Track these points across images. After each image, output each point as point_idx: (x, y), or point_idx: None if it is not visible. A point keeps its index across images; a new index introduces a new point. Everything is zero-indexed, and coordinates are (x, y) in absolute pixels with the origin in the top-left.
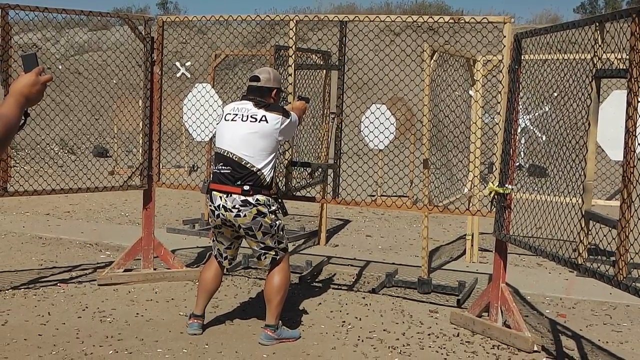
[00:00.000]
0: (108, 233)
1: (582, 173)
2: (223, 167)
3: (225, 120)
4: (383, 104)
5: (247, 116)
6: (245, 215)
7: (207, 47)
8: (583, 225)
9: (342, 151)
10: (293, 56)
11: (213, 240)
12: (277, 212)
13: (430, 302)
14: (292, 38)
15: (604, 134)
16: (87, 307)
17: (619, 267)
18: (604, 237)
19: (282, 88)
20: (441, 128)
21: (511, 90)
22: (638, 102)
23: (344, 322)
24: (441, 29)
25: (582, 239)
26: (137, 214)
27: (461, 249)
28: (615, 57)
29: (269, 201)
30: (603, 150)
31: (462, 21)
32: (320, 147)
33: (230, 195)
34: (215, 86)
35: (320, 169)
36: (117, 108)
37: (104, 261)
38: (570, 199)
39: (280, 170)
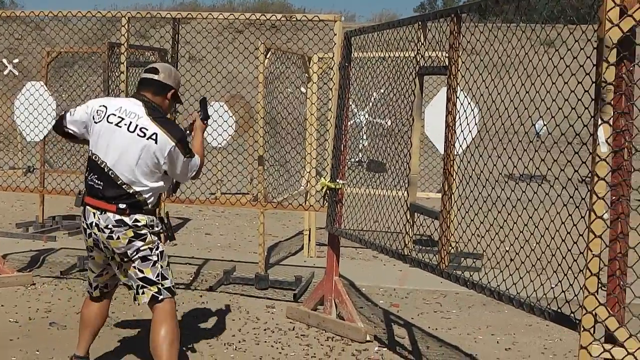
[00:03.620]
0: None
1: (408, 167)
2: (96, 179)
3: (107, 121)
4: (224, 101)
5: (135, 126)
6: (118, 238)
7: (44, 43)
8: (408, 218)
9: None
10: (125, 53)
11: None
12: (160, 236)
13: (268, 298)
14: (124, 35)
15: (434, 129)
16: None
17: (442, 257)
18: (435, 229)
19: (179, 92)
20: (274, 125)
21: (341, 87)
22: (457, 98)
23: (180, 320)
24: (283, 27)
25: (407, 230)
26: None
27: (300, 244)
28: (437, 55)
29: (151, 222)
30: (434, 145)
31: (294, 19)
32: None
33: (105, 213)
34: (52, 84)
35: None
36: None
37: None
38: (397, 193)
39: None
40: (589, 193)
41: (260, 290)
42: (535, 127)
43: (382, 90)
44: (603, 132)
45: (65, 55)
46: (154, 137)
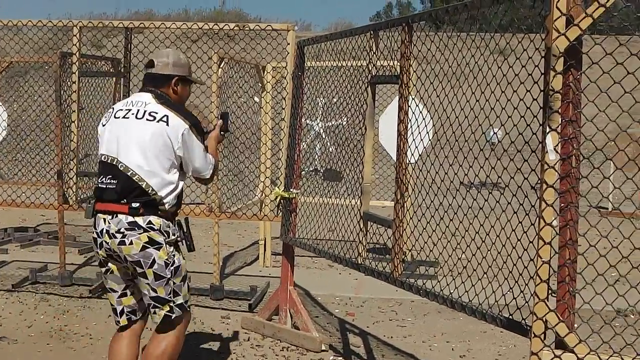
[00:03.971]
0: None
1: (361, 176)
2: (106, 180)
3: (114, 117)
4: None
5: (144, 112)
6: (131, 243)
7: None
8: (362, 226)
9: None
10: (77, 63)
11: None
12: (178, 246)
13: (223, 308)
14: (75, 45)
15: (388, 138)
16: None
17: (395, 265)
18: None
19: (190, 77)
20: (228, 135)
21: (295, 97)
22: (409, 106)
23: None
24: (238, 37)
25: (361, 239)
26: None
27: (255, 254)
28: (388, 64)
29: (168, 227)
30: (389, 153)
31: (247, 28)
32: None
33: (116, 216)
34: (3, 94)
35: None
36: None
37: None
38: (350, 201)
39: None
40: (538, 200)
41: (215, 301)
42: (485, 136)
43: (334, 100)
44: (551, 140)
45: (17, 65)
46: (164, 119)
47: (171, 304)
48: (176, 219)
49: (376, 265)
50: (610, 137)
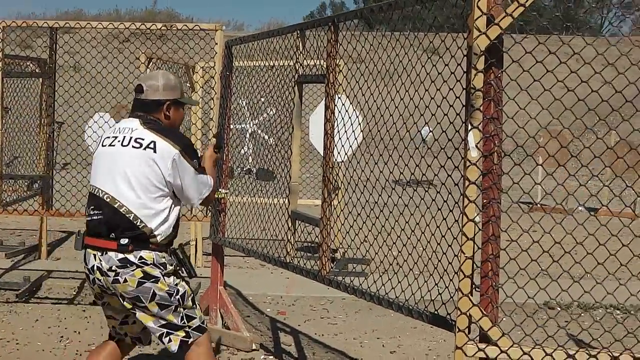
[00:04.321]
0: None
1: (289, 175)
2: (93, 212)
3: (102, 145)
4: (107, 112)
5: (130, 139)
6: (126, 281)
7: None
8: (290, 225)
9: (66, 161)
10: (1, 63)
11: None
12: (178, 273)
13: None
14: None
15: (319, 137)
16: None
17: (323, 263)
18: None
19: (182, 99)
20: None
21: (223, 96)
22: (335, 105)
23: (62, 336)
24: (168, 37)
25: (289, 238)
26: None
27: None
28: (316, 64)
29: (163, 259)
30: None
31: (175, 28)
32: (38, 157)
33: (106, 253)
34: None
35: (39, 181)
36: None
37: None
38: (279, 201)
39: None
40: (461, 197)
41: None
42: (421, 134)
43: (262, 100)
44: (473, 137)
45: None
46: (151, 145)
47: (186, 329)
48: (171, 248)
49: (305, 264)
50: (533, 134)
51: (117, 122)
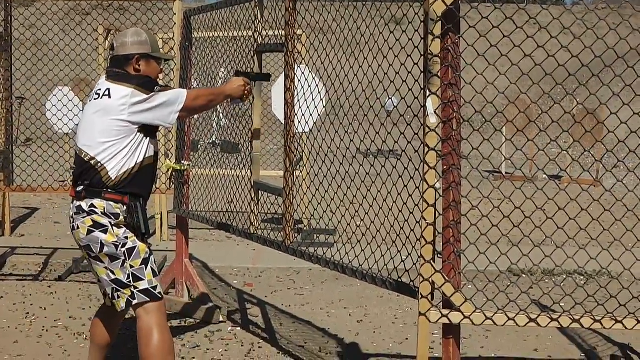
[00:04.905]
0: None
1: (251, 146)
2: (74, 167)
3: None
4: (66, 85)
5: (93, 94)
6: (78, 227)
7: None
8: (253, 196)
9: (30, 137)
10: None
11: None
12: (128, 228)
13: None
14: None
15: (281, 107)
16: None
17: (287, 233)
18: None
19: (153, 53)
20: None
21: (182, 68)
22: (295, 74)
23: (28, 313)
24: (132, 8)
25: (253, 208)
26: None
27: (152, 229)
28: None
29: (116, 209)
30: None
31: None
32: None
33: (73, 201)
34: None
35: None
36: None
37: None
38: (241, 172)
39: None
40: (421, 163)
41: None
42: (385, 109)
43: (222, 70)
44: (432, 103)
45: None
46: (107, 92)
47: (132, 289)
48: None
49: (269, 235)
50: (494, 102)
51: None
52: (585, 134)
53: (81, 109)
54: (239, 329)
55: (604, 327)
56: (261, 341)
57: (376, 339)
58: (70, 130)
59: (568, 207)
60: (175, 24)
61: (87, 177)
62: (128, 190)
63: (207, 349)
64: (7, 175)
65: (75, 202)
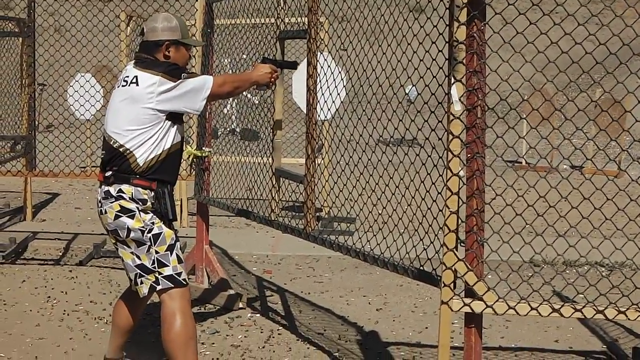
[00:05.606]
0: None
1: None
2: (102, 153)
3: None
4: (88, 71)
5: (121, 80)
6: (106, 212)
7: None
8: (274, 183)
9: (52, 123)
10: None
11: None
12: (155, 214)
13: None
14: None
15: (302, 95)
16: None
17: (307, 220)
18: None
19: (183, 40)
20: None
21: (204, 54)
22: (317, 61)
23: (49, 297)
24: None
25: (274, 195)
26: None
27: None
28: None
29: (144, 195)
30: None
31: None
32: (20, 118)
33: (101, 186)
34: None
35: (22, 142)
36: None
37: None
38: (263, 159)
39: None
40: (445, 151)
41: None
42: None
43: (244, 56)
44: (456, 91)
45: None
46: (134, 80)
47: (156, 275)
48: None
49: (289, 222)
50: (518, 90)
51: None
52: (612, 123)
53: (103, 95)
54: (258, 315)
55: (629, 319)
56: (280, 328)
57: (395, 328)
58: (92, 116)
59: (592, 198)
60: (197, 10)
61: (115, 163)
62: (156, 177)
63: (227, 335)
64: (29, 160)
65: (103, 186)
